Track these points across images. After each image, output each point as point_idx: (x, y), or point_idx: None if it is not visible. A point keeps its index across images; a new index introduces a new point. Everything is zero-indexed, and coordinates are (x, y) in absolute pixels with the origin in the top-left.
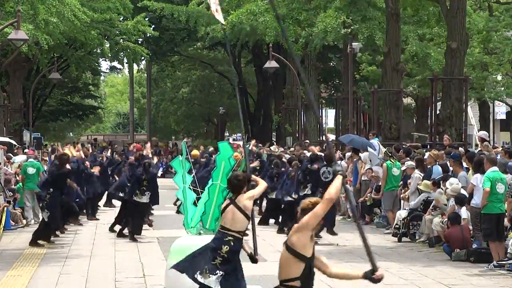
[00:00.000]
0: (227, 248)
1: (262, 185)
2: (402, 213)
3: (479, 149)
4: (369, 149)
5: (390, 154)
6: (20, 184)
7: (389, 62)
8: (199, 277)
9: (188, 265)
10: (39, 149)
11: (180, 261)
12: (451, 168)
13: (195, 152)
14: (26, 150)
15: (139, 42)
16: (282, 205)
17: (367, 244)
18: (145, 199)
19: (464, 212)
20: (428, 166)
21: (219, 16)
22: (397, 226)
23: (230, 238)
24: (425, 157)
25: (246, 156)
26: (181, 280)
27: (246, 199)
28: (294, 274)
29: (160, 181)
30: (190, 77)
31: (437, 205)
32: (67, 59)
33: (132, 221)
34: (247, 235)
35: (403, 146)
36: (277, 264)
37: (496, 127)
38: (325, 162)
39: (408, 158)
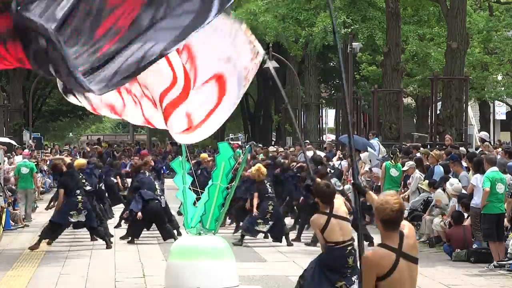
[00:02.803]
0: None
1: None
2: None
3: (480, 149)
4: (369, 149)
5: (392, 156)
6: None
7: (389, 62)
8: None
9: None
10: (39, 149)
11: None
12: (452, 169)
13: (204, 155)
14: (26, 150)
15: None
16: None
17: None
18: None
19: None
20: (430, 166)
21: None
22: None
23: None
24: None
25: (246, 156)
26: (181, 280)
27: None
28: None
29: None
30: None
31: (438, 205)
32: None
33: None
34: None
35: (403, 146)
36: (277, 265)
37: (496, 127)
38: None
39: (408, 158)
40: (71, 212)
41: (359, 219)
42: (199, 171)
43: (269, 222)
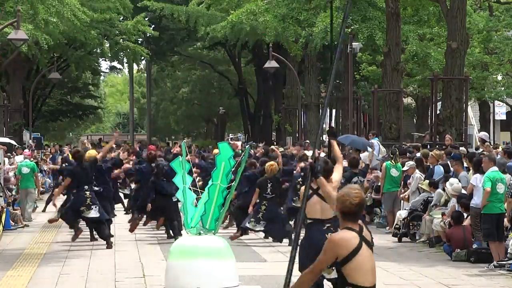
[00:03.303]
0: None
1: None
2: (402, 213)
3: (480, 150)
4: (369, 149)
5: (392, 156)
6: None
7: (389, 62)
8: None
9: None
10: (39, 149)
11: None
12: (451, 169)
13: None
14: (26, 151)
15: (139, 42)
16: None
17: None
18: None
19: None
20: (430, 166)
21: None
22: (397, 226)
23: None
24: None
25: (246, 156)
26: (181, 280)
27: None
28: None
29: None
30: (190, 77)
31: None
32: (67, 59)
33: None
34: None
35: (403, 146)
36: (277, 265)
37: (496, 127)
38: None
39: (408, 158)
40: (81, 209)
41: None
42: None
43: (261, 222)
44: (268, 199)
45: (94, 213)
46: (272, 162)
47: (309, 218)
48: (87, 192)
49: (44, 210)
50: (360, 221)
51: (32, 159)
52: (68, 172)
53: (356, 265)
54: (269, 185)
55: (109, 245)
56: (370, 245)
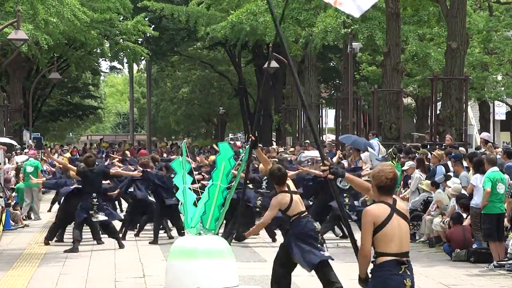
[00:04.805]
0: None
1: None
2: None
3: (482, 150)
4: (369, 149)
5: (394, 156)
6: (21, 183)
7: (389, 62)
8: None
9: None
10: (39, 149)
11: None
12: (452, 169)
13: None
14: (26, 151)
15: (139, 42)
16: None
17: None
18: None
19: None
20: (432, 166)
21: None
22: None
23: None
24: (428, 156)
25: (246, 156)
26: (181, 280)
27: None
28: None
29: None
30: (190, 77)
31: (438, 205)
32: (67, 59)
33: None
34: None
35: (403, 145)
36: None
37: (496, 127)
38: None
39: (408, 158)
40: (90, 212)
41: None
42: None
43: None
44: (261, 193)
45: (101, 217)
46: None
47: (295, 215)
48: (94, 200)
49: (49, 210)
50: (394, 196)
51: (36, 158)
52: (80, 170)
53: (384, 234)
54: (264, 182)
55: (121, 245)
56: (404, 215)
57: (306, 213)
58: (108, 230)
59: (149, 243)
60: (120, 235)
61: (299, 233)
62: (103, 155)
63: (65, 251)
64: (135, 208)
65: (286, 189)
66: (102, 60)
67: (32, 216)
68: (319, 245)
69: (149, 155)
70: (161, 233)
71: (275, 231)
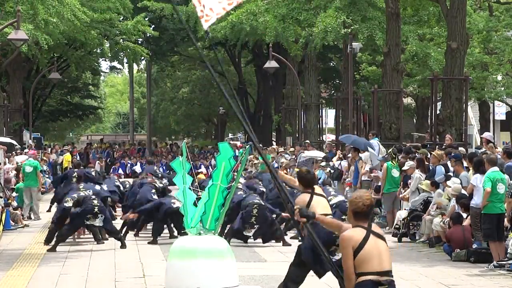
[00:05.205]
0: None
1: None
2: (402, 213)
3: (483, 149)
4: (369, 149)
5: (394, 156)
6: (21, 183)
7: (389, 62)
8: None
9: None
10: (39, 149)
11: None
12: (451, 169)
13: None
14: (26, 151)
15: (139, 42)
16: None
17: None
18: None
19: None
20: (431, 166)
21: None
22: (397, 226)
23: None
24: (428, 156)
25: (246, 157)
26: (181, 280)
27: None
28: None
29: None
30: (190, 77)
31: (438, 206)
32: (67, 59)
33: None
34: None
35: (403, 145)
36: (277, 265)
37: (496, 127)
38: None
39: (408, 158)
40: (87, 216)
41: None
42: None
43: (255, 226)
44: (258, 199)
45: (98, 222)
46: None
47: None
48: (95, 201)
49: (49, 210)
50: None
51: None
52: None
53: (364, 255)
54: (260, 183)
55: (123, 245)
56: (380, 236)
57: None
58: (110, 232)
59: (148, 243)
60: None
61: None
62: (104, 155)
63: (48, 250)
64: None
65: (310, 190)
66: (102, 60)
67: (32, 216)
68: (331, 250)
69: (147, 157)
70: (164, 233)
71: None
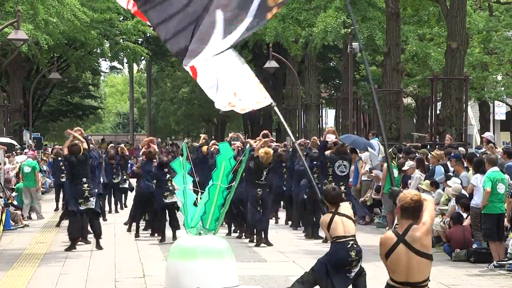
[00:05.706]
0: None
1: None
2: None
3: (483, 149)
4: (369, 149)
5: (394, 156)
6: (20, 183)
7: (389, 62)
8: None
9: None
10: (39, 149)
11: None
12: (451, 168)
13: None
14: (26, 151)
15: (139, 42)
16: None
17: None
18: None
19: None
20: (431, 166)
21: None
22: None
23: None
24: (428, 157)
25: (246, 157)
26: (181, 280)
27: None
28: (428, 274)
29: None
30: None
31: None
32: (67, 59)
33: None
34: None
35: (403, 145)
36: (277, 265)
37: (496, 127)
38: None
39: (408, 158)
40: (79, 201)
41: None
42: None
43: (260, 210)
44: (261, 186)
45: (91, 204)
46: (267, 149)
47: (333, 237)
48: (85, 185)
49: (56, 209)
50: (411, 221)
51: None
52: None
53: (391, 262)
54: (264, 172)
55: (99, 246)
56: (410, 246)
57: (348, 238)
58: (92, 222)
59: (159, 241)
60: (126, 226)
61: (329, 255)
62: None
63: (66, 250)
64: (140, 201)
65: (334, 209)
66: (102, 60)
67: (34, 215)
68: (346, 270)
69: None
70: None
71: None
